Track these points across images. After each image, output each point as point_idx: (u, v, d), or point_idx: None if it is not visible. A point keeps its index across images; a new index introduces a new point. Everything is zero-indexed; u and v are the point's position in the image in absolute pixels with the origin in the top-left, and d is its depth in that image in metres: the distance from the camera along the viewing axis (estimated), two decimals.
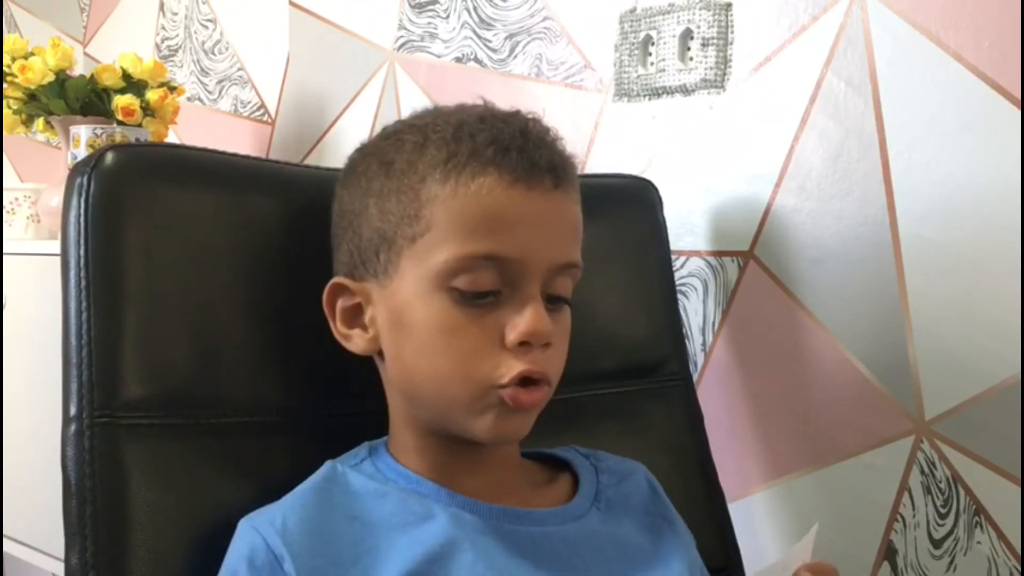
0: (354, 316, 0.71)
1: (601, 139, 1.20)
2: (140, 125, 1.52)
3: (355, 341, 0.71)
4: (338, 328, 0.72)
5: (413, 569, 0.63)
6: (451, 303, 0.65)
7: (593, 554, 0.69)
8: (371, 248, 0.69)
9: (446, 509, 0.66)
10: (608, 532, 0.71)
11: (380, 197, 0.68)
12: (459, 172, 0.65)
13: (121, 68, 1.53)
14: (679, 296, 1.06)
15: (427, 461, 0.70)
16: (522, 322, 0.65)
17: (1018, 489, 0.90)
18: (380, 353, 0.71)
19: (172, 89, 1.58)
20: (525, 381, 0.66)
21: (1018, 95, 0.89)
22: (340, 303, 0.72)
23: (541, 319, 0.65)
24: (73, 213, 0.72)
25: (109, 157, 0.73)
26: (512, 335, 0.65)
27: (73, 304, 0.71)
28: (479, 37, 1.33)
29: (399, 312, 0.68)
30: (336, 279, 0.72)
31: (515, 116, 0.69)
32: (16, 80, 1.49)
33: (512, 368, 0.65)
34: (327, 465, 0.70)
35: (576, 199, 0.71)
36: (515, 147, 0.66)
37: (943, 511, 0.96)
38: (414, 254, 0.66)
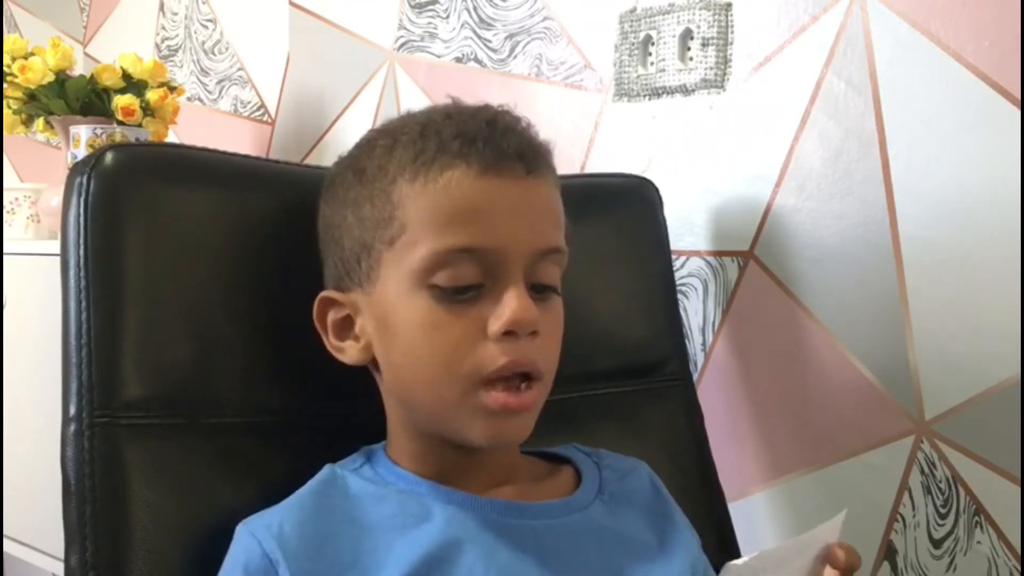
0: (345, 328, 0.71)
1: (601, 139, 1.20)
2: (140, 125, 1.52)
3: (348, 353, 0.71)
4: (331, 342, 0.72)
5: (412, 572, 0.63)
6: (433, 301, 0.65)
7: (596, 546, 0.69)
8: (353, 257, 0.69)
9: (445, 508, 0.66)
10: (611, 525, 0.71)
11: (356, 205, 0.69)
12: (427, 168, 0.65)
13: (121, 68, 1.53)
14: (679, 296, 1.06)
15: (425, 463, 0.70)
16: (505, 310, 0.64)
17: (1018, 489, 0.90)
18: (374, 362, 0.71)
19: (172, 89, 1.58)
20: (513, 378, 0.65)
21: (1018, 95, 0.89)
22: (330, 316, 0.72)
23: (525, 306, 0.64)
24: (73, 213, 0.72)
25: (109, 157, 0.73)
26: (496, 325, 0.64)
27: (73, 304, 0.71)
28: (479, 37, 1.33)
29: (385, 316, 0.68)
30: (324, 293, 0.72)
31: (483, 109, 0.69)
32: (16, 80, 1.49)
33: (496, 359, 0.64)
34: (326, 469, 0.70)
35: (552, 183, 0.70)
36: (481, 138, 0.65)
37: (943, 511, 0.96)
38: (393, 257, 0.66)
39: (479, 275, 0.65)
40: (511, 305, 0.64)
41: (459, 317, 0.65)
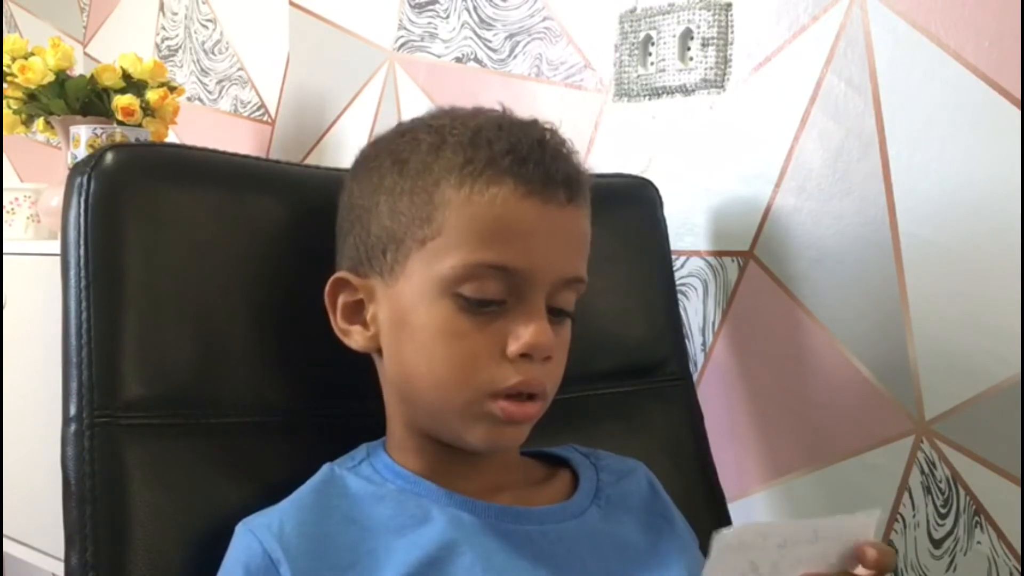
0: (355, 312, 0.71)
1: (601, 139, 1.20)
2: (140, 125, 1.52)
3: (354, 337, 0.71)
4: (338, 323, 0.72)
5: (411, 573, 0.63)
6: (455, 309, 0.65)
7: (592, 553, 0.69)
8: (378, 246, 0.69)
9: (444, 510, 0.66)
10: (607, 530, 0.71)
11: (392, 195, 0.68)
12: (475, 179, 0.65)
13: (121, 68, 1.53)
14: (679, 296, 1.06)
15: (424, 460, 0.70)
16: (525, 334, 0.65)
17: (1018, 489, 0.90)
18: (379, 351, 0.71)
19: (172, 89, 1.58)
20: (520, 395, 0.66)
21: (1018, 95, 0.89)
22: (342, 298, 0.71)
23: (545, 333, 0.65)
24: (73, 213, 0.72)
25: (109, 157, 0.73)
26: (514, 346, 0.65)
27: (73, 304, 0.71)
28: (479, 37, 1.33)
29: (402, 313, 0.68)
30: (340, 274, 0.71)
31: (533, 126, 0.69)
32: (16, 80, 1.49)
33: (509, 377, 0.65)
34: (325, 468, 0.70)
35: (587, 214, 0.71)
36: (533, 158, 0.66)
37: (943, 511, 0.96)
38: (423, 256, 0.66)
39: (504, 292, 0.65)
40: (532, 331, 0.65)
41: (477, 330, 0.65)
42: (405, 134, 0.70)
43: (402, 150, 0.69)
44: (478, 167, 0.65)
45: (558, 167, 0.67)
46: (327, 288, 0.72)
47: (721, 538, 0.55)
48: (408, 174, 0.68)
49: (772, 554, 0.56)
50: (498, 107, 0.71)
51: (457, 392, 0.66)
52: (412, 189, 0.67)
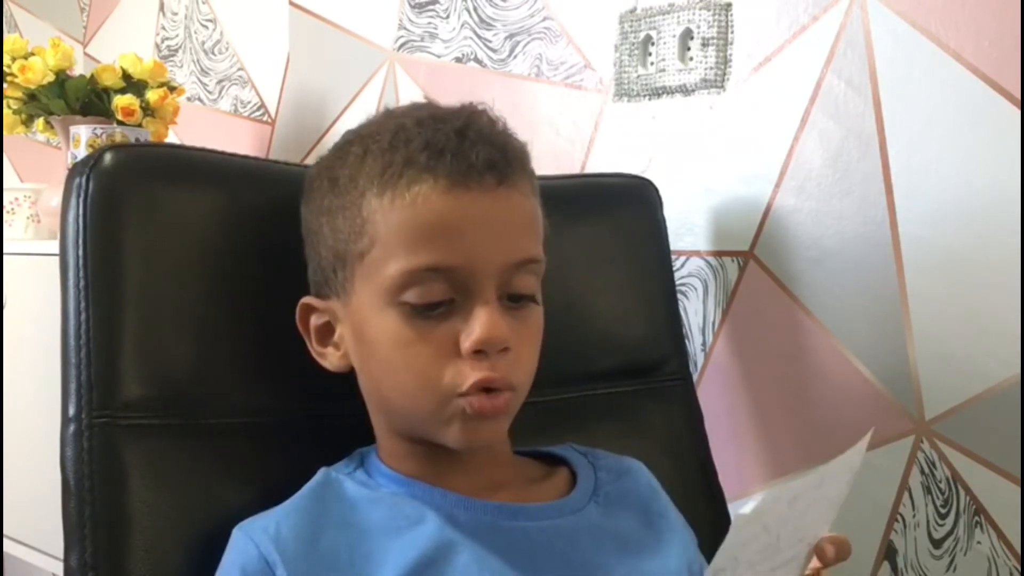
0: (326, 334, 0.71)
1: (601, 139, 1.20)
2: (140, 125, 1.52)
3: (329, 359, 0.71)
4: (314, 347, 0.72)
5: (407, 573, 0.63)
6: (403, 318, 0.65)
7: (591, 548, 0.69)
8: (329, 267, 0.69)
9: (439, 510, 0.66)
10: (606, 526, 0.71)
11: (330, 215, 0.68)
12: (395, 182, 0.64)
13: (121, 68, 1.53)
14: (679, 296, 1.05)
15: (416, 464, 0.70)
16: (475, 328, 0.63)
17: (1018, 489, 0.90)
18: (353, 369, 0.71)
19: (172, 89, 1.58)
20: (486, 389, 0.65)
21: (1018, 95, 0.89)
22: (312, 321, 0.72)
23: (494, 325, 0.64)
24: (72, 213, 0.72)
25: (108, 157, 0.73)
26: (466, 344, 0.64)
27: (72, 304, 0.71)
28: (479, 37, 1.33)
29: (360, 329, 0.68)
30: (304, 300, 0.72)
31: (455, 114, 0.67)
32: (16, 80, 1.49)
33: (468, 377, 0.64)
34: (321, 472, 0.70)
35: (527, 191, 0.69)
36: (449, 149, 0.64)
37: (943, 511, 0.96)
38: (364, 271, 0.66)
39: (449, 291, 0.64)
40: (481, 323, 0.63)
41: (430, 335, 0.64)
42: (339, 150, 0.70)
43: (334, 167, 0.69)
44: (396, 170, 0.64)
45: (479, 152, 0.64)
46: (297, 315, 0.72)
47: (738, 514, 0.56)
48: (339, 191, 0.67)
49: (783, 510, 0.57)
50: (436, 104, 0.69)
51: (424, 399, 0.65)
52: (343, 205, 0.67)
